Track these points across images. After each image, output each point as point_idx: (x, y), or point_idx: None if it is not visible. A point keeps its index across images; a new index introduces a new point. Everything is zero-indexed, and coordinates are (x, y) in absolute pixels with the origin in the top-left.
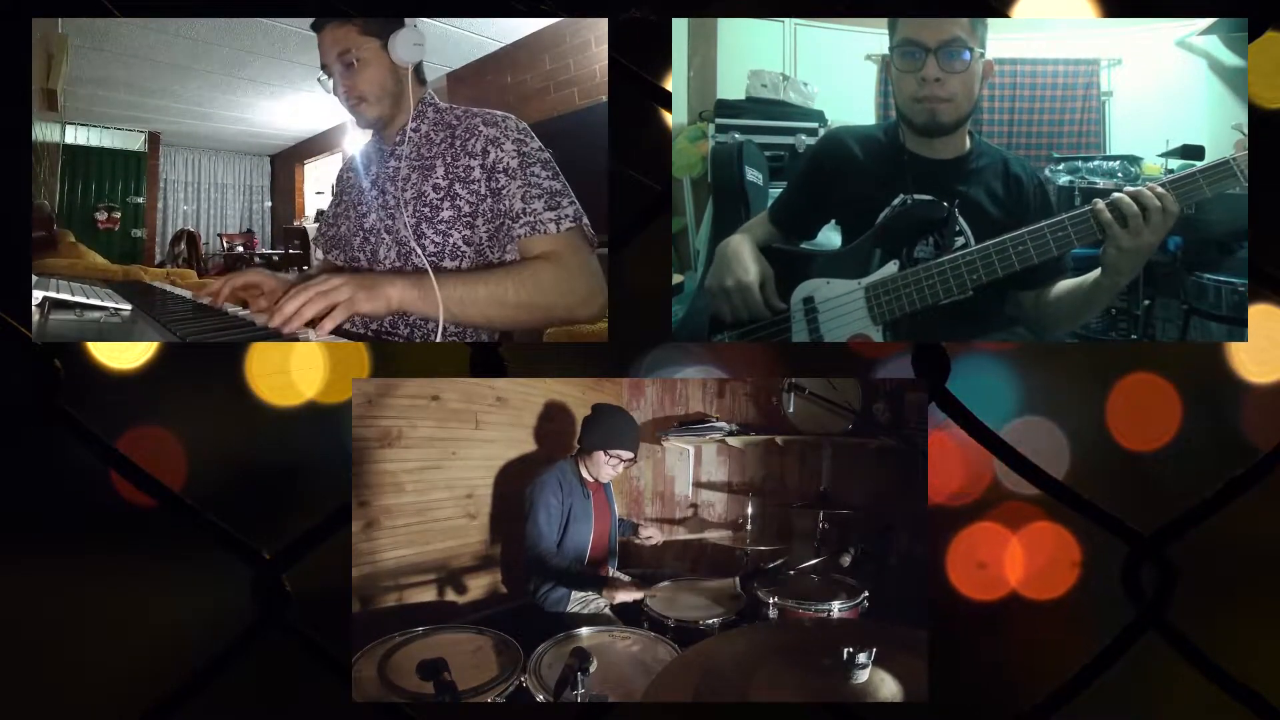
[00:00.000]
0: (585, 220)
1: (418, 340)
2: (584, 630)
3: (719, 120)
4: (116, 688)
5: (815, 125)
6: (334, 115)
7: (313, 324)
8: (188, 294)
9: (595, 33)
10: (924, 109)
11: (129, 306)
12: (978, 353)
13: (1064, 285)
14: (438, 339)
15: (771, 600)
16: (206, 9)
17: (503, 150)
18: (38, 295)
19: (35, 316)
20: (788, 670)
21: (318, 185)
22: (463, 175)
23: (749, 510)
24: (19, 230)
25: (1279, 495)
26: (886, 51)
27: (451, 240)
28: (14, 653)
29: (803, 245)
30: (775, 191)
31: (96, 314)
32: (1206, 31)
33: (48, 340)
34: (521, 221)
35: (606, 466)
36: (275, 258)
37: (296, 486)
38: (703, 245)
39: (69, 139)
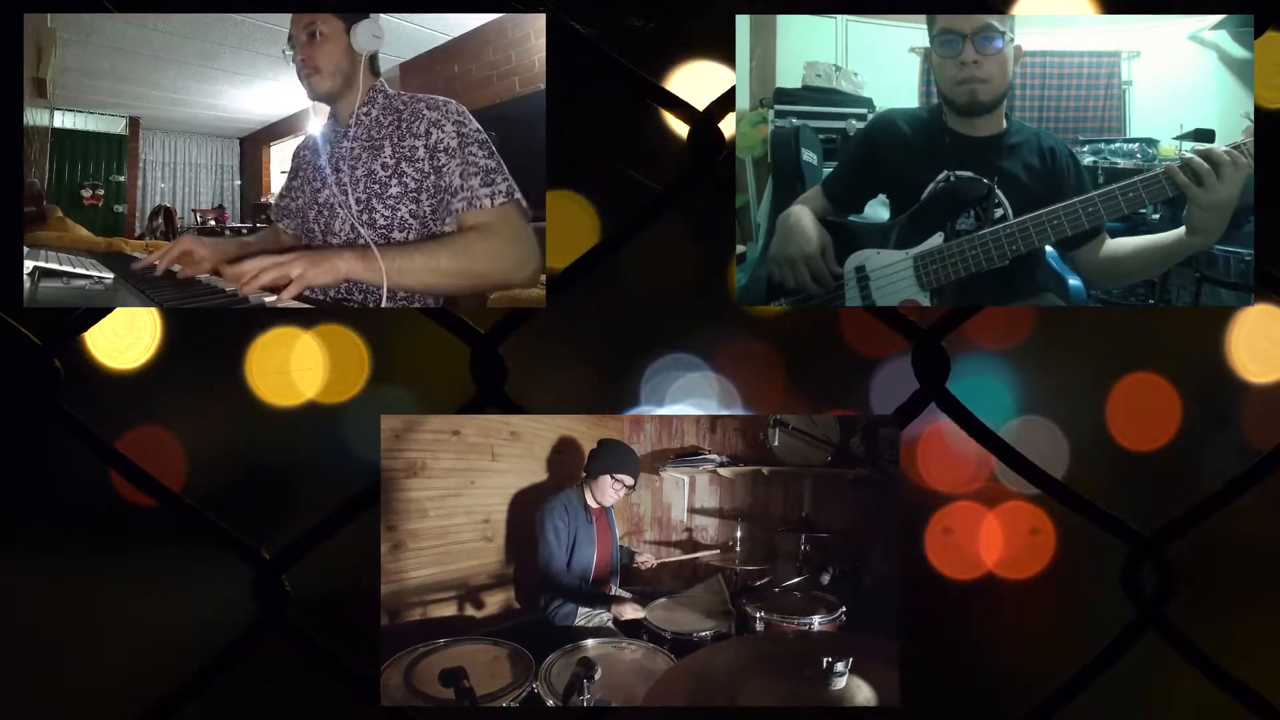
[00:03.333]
0: (519, 195)
1: (371, 306)
2: (589, 642)
3: (778, 107)
4: (116, 688)
5: (864, 111)
6: (297, 102)
7: (273, 291)
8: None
9: (534, 27)
10: (965, 90)
11: (111, 275)
12: (978, 353)
13: (1136, 242)
14: (384, 303)
15: (758, 615)
16: (183, 5)
17: (444, 131)
18: (29, 265)
19: (26, 285)
20: (773, 678)
21: (282, 165)
22: (408, 155)
23: (738, 534)
24: (12, 207)
25: (1279, 495)
26: (927, 44)
27: (399, 214)
28: (14, 652)
29: (852, 218)
30: (828, 170)
31: (82, 281)
32: (1216, 27)
33: (38, 305)
34: (460, 196)
35: (610, 489)
36: (244, 230)
37: (296, 486)
38: (763, 219)
39: (57, 123)
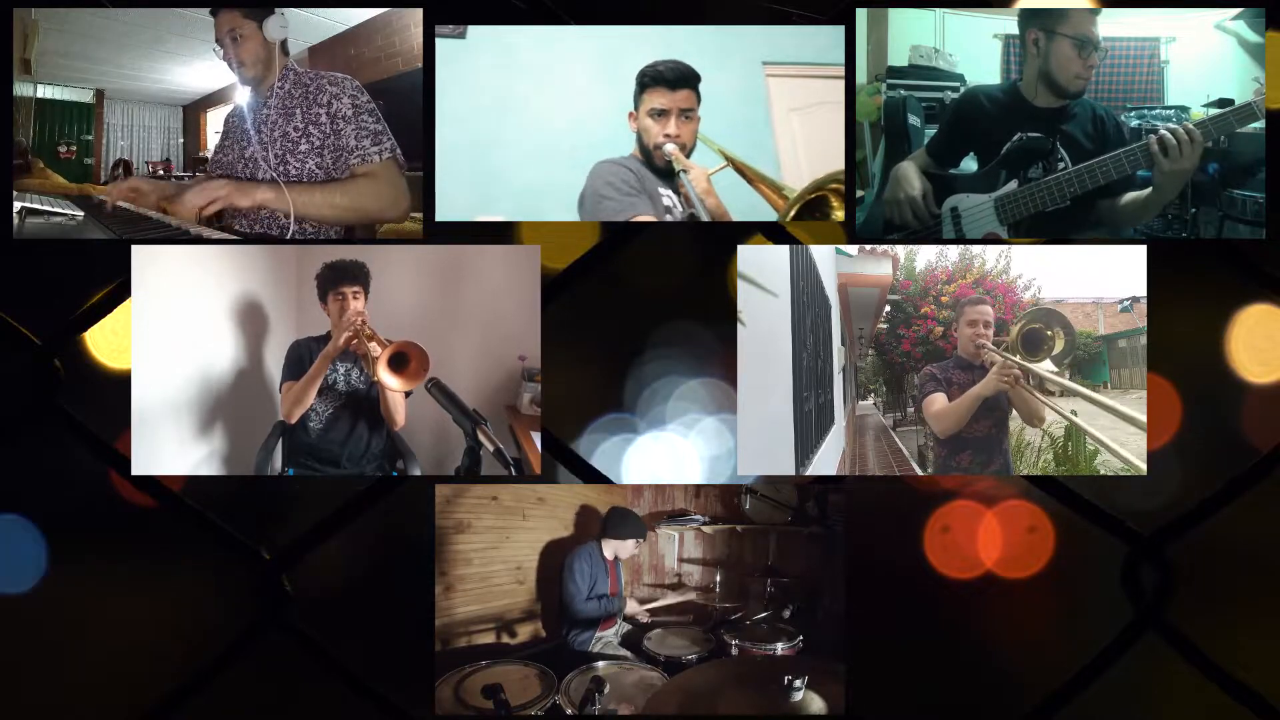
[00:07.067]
0: (399, 153)
1: (289, 235)
2: (600, 663)
3: (889, 81)
4: (117, 687)
5: (957, 85)
6: (226, 78)
7: (205, 221)
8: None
9: (414, 19)
10: (1080, 83)
11: (82, 213)
12: None
13: (1131, 196)
14: (290, 229)
15: (733, 642)
16: (138, 0)
17: (341, 102)
18: (17, 205)
19: (15, 221)
20: (745, 692)
21: (216, 128)
22: (314, 120)
23: (717, 578)
24: (3, 159)
25: (1279, 495)
26: (1008, 31)
27: (307, 166)
28: (14, 652)
29: (949, 170)
30: (929, 132)
31: (59, 218)
32: (1236, 17)
33: (24, 237)
34: (355, 154)
35: (631, 547)
36: (185, 177)
37: (296, 487)
38: (877, 170)
39: (39, 95)
